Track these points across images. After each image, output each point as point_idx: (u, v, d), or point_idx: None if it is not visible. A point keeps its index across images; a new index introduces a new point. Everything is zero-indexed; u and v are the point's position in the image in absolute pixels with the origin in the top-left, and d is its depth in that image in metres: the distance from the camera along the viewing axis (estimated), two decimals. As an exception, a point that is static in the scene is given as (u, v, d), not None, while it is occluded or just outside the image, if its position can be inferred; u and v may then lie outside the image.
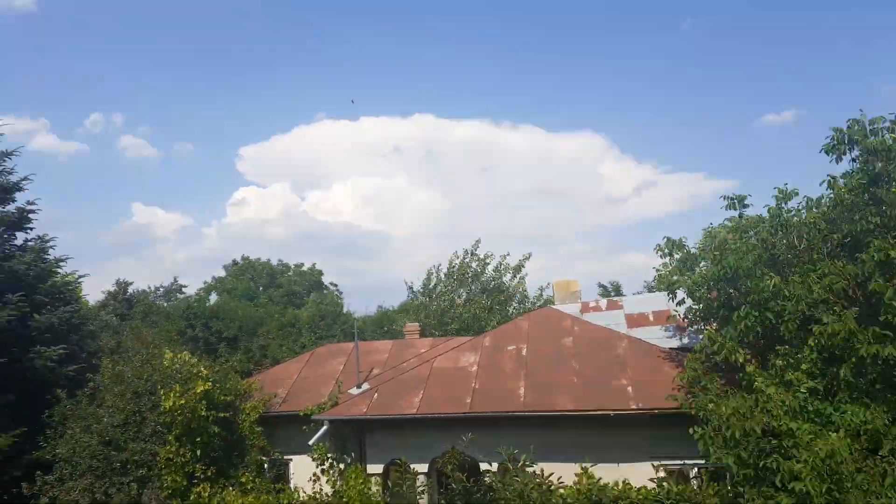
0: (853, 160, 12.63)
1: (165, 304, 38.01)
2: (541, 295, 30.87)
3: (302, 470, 15.62)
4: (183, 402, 14.21)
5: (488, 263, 31.47)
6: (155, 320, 30.10)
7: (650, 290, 27.11)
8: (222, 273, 47.92)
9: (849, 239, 12.34)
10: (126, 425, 15.17)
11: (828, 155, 12.65)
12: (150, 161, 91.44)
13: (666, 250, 13.99)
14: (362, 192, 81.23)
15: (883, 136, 12.21)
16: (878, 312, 10.58)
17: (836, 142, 12.58)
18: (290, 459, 16.26)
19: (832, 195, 12.63)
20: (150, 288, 39.68)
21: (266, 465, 15.79)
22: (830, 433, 9.70)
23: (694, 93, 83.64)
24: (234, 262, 48.66)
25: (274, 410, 16.34)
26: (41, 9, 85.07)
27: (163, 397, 14.48)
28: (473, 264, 31.47)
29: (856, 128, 12.43)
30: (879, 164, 11.95)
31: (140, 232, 79.60)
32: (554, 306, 19.01)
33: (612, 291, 34.56)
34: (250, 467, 15.19)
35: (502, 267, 31.29)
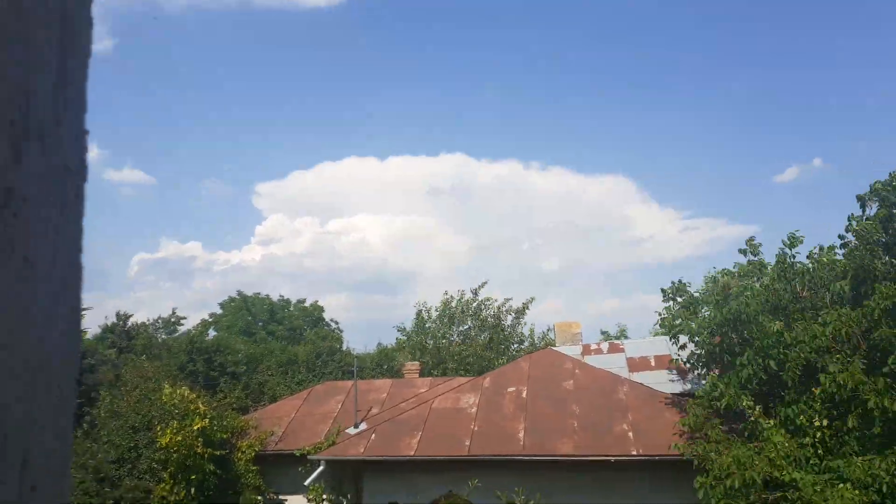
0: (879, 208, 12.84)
1: (165, 337, 37.82)
2: (546, 335, 30.77)
3: (297, 511, 15.36)
4: (180, 438, 14.06)
5: (489, 306, 31.56)
6: (156, 353, 29.92)
7: (659, 333, 26.97)
8: (217, 310, 47.61)
9: (854, 286, 12.30)
10: (121, 461, 14.98)
11: (858, 202, 12.91)
12: (152, 193, 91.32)
13: (670, 294, 14.07)
14: (388, 229, 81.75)
15: None
16: (883, 361, 10.47)
17: (868, 194, 12.83)
18: (285, 500, 15.99)
19: (850, 236, 12.73)
20: (149, 320, 39.54)
21: (260, 505, 15.55)
22: (838, 485, 9.52)
23: (724, 141, 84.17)
24: (231, 299, 48.31)
25: (270, 449, 16.13)
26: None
27: (159, 433, 14.32)
28: (473, 304, 31.51)
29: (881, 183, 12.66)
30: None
31: (165, 265, 79.48)
32: (555, 348, 18.89)
33: (617, 336, 34.37)
34: (244, 507, 14.96)
35: (504, 310, 31.42)
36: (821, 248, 13.55)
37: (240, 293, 47.73)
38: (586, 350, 18.29)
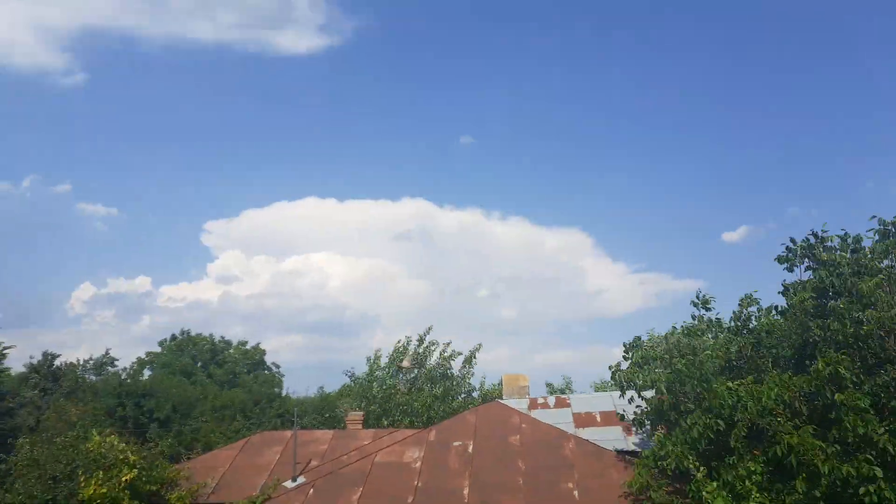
0: (807, 270, 13.28)
1: (95, 379, 35.88)
2: (482, 385, 30.55)
3: (227, 569, 14.51)
4: (105, 490, 13.17)
5: (433, 351, 31.14)
6: (83, 396, 28.29)
7: (601, 387, 27.18)
8: (157, 349, 45.71)
9: (795, 350, 12.56)
10: (36, 515, 13.93)
11: (780, 264, 13.29)
12: (110, 231, 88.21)
13: (628, 349, 14.38)
14: (347, 271, 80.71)
15: (834, 252, 12.80)
16: (825, 426, 10.58)
17: (788, 253, 13.24)
18: (216, 557, 15.11)
19: (786, 304, 13.09)
20: (78, 361, 37.35)
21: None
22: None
23: (674, 201, 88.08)
24: (174, 337, 46.44)
25: (202, 501, 15.29)
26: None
27: (83, 484, 13.39)
28: (419, 351, 31.06)
29: (811, 241, 13.09)
30: (828, 278, 12.36)
31: (115, 300, 76.34)
32: (502, 400, 18.67)
33: (563, 388, 34.39)
34: (171, 564, 14.05)
35: (447, 355, 31.03)
36: (759, 310, 13.93)
37: (184, 332, 46.02)
38: (533, 404, 18.13)
